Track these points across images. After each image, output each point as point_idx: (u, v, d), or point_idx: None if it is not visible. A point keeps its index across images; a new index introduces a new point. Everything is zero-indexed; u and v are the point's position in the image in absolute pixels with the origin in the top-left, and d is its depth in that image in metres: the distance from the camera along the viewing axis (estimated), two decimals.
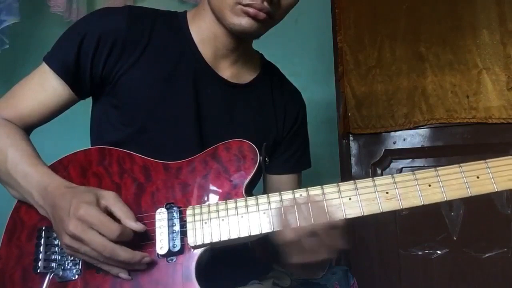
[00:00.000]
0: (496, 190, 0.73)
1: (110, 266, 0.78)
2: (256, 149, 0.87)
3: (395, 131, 2.21)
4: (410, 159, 2.19)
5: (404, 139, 2.21)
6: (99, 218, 0.75)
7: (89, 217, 0.74)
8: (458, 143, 2.10)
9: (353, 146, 2.28)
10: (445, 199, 0.74)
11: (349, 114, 2.25)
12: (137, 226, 0.78)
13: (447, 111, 2.11)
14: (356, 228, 2.20)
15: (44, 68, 0.95)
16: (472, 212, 2.06)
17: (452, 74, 2.11)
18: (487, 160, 0.75)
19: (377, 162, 2.24)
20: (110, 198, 0.79)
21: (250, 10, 0.88)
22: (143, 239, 0.80)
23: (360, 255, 2.19)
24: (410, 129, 2.18)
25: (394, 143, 2.23)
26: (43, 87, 0.95)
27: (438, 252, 2.11)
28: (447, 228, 2.09)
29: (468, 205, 2.06)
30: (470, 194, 0.73)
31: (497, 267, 2.02)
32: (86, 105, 1.04)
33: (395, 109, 2.18)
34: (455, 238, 2.08)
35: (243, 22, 0.90)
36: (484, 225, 2.05)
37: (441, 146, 2.14)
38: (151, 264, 0.80)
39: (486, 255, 2.04)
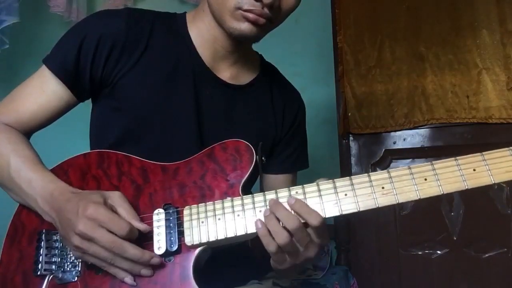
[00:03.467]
0: (493, 182, 0.72)
1: (117, 268, 0.78)
2: (253, 148, 0.87)
3: (395, 131, 2.21)
4: (410, 159, 2.19)
5: (404, 139, 2.21)
6: (108, 215, 0.76)
7: (98, 215, 0.75)
8: (458, 143, 2.10)
9: (353, 146, 2.28)
10: (442, 192, 0.73)
11: (349, 114, 2.25)
12: (141, 226, 0.79)
13: (447, 111, 2.11)
14: (356, 228, 2.20)
15: (44, 71, 0.95)
16: (472, 212, 2.06)
17: (452, 74, 2.11)
18: (484, 153, 0.74)
19: (377, 162, 2.24)
20: (116, 198, 0.81)
21: (250, 15, 0.88)
22: (141, 240, 0.80)
23: (360, 255, 2.19)
24: (410, 129, 2.18)
25: (394, 143, 2.23)
26: (42, 89, 0.95)
27: (438, 252, 2.11)
28: (447, 228, 2.09)
29: (468, 205, 2.06)
30: (466, 187, 0.73)
31: (497, 267, 2.02)
32: (86, 108, 1.04)
33: (395, 109, 2.18)
34: (455, 238, 2.08)
35: (243, 27, 0.90)
36: (484, 225, 2.05)
37: (441, 146, 2.14)
38: (149, 265, 0.80)
39: (486, 255, 2.05)
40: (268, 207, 0.77)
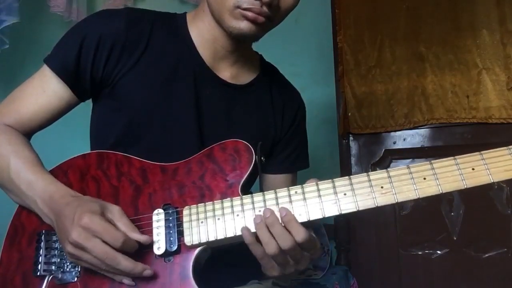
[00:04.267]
0: (492, 181, 0.72)
1: (112, 273, 0.78)
2: (252, 148, 0.87)
3: (395, 131, 2.21)
4: (410, 159, 2.19)
5: (404, 139, 2.21)
6: (103, 226, 0.75)
7: (92, 225, 0.75)
8: (458, 143, 2.11)
9: (353, 146, 2.28)
10: (441, 191, 0.73)
11: (349, 114, 2.25)
12: (142, 237, 0.79)
13: (447, 111, 2.11)
14: (356, 228, 2.20)
15: (45, 71, 0.95)
16: (472, 212, 2.06)
17: (452, 74, 2.12)
18: (482, 152, 0.74)
19: (377, 162, 2.24)
20: (115, 212, 0.80)
21: (249, 14, 0.88)
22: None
23: (360, 255, 2.19)
24: (410, 129, 2.18)
25: (394, 143, 2.23)
26: (43, 89, 0.95)
27: (438, 252, 2.11)
28: (447, 228, 2.10)
29: (468, 205, 2.06)
30: (465, 186, 0.73)
31: (497, 267, 2.02)
32: (86, 108, 1.04)
33: (395, 109, 2.19)
34: (455, 238, 2.08)
35: (242, 25, 0.90)
36: (484, 225, 2.05)
37: (441, 146, 2.14)
38: (149, 265, 0.79)
39: (486, 255, 2.05)
40: (261, 213, 0.77)
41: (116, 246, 0.75)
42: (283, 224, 0.75)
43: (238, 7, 0.88)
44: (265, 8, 0.88)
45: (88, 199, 0.83)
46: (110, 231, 0.75)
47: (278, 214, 0.76)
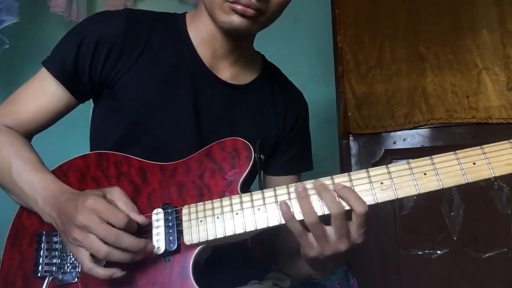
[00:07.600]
0: (493, 175, 0.71)
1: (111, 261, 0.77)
2: (250, 146, 0.87)
3: (395, 131, 2.20)
4: (410, 159, 2.18)
5: (404, 139, 2.21)
6: (107, 206, 0.76)
7: (97, 206, 0.75)
8: (458, 143, 2.10)
9: (353, 146, 2.28)
10: (441, 186, 0.73)
11: (349, 114, 2.24)
12: (140, 218, 0.80)
13: (447, 111, 2.11)
14: None
15: (43, 73, 0.96)
16: (472, 212, 2.06)
17: (452, 74, 2.11)
18: (483, 146, 0.73)
19: (377, 162, 2.23)
20: (115, 193, 0.81)
21: (238, 7, 0.87)
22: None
23: (360, 255, 2.18)
24: (410, 129, 2.18)
25: (394, 143, 2.22)
26: (43, 91, 0.96)
27: (438, 252, 2.11)
28: (447, 228, 2.09)
29: (468, 205, 2.06)
30: (466, 181, 0.72)
31: (497, 267, 2.02)
32: (86, 109, 1.04)
33: (395, 109, 2.18)
34: (455, 238, 2.08)
35: (232, 19, 0.89)
36: (484, 225, 2.05)
37: (441, 146, 2.14)
38: (149, 264, 0.80)
39: (486, 255, 2.04)
40: (297, 188, 0.76)
41: (120, 225, 0.75)
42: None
43: (227, 0, 0.88)
44: (253, 0, 0.87)
45: (89, 190, 0.84)
46: (114, 212, 0.76)
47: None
